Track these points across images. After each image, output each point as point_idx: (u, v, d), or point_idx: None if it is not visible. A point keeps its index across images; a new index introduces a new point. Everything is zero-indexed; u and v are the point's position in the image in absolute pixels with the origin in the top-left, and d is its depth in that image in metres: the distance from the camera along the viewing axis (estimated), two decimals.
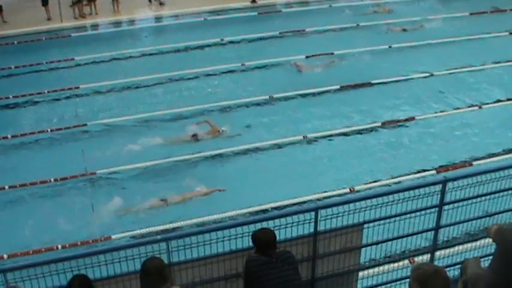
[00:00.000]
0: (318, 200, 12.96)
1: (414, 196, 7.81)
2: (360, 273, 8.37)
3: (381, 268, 8.45)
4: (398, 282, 8.46)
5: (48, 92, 19.32)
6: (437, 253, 8.73)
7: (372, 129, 16.67)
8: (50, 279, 6.56)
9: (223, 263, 7.24)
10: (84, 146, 15.26)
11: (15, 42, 24.18)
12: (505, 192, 8.42)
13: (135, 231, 12.40)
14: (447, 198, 8.07)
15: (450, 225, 8.43)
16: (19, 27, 25.56)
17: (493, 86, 19.27)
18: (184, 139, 16.08)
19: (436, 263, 8.63)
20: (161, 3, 29.26)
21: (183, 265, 7.10)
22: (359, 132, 16.61)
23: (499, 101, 18.32)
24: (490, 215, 8.50)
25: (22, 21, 26.33)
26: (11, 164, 15.44)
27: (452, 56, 21.76)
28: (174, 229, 12.15)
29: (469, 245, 8.86)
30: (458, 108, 17.82)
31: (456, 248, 8.83)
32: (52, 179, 14.40)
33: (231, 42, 23.92)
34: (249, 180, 14.47)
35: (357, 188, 13.76)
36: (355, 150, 15.76)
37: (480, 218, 8.48)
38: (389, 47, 22.66)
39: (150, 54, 22.87)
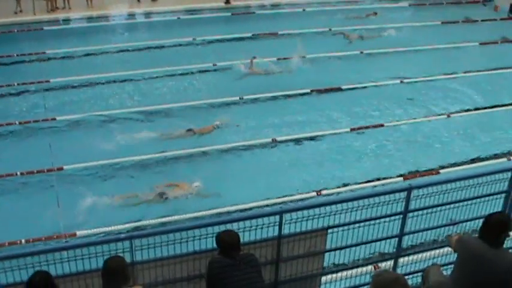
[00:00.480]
0: (284, 203, 12.95)
1: (379, 202, 7.88)
2: (323, 278, 8.41)
3: (345, 273, 8.50)
4: None
5: (17, 84, 19.13)
6: (401, 260, 8.80)
7: (340, 135, 16.68)
8: (11, 274, 6.51)
9: (187, 263, 7.25)
10: (53, 141, 15.11)
11: None
12: (469, 201, 8.52)
13: (101, 229, 12.29)
14: (412, 206, 8.15)
15: (414, 232, 8.52)
16: None
17: (462, 95, 19.44)
18: (153, 137, 15.97)
19: (399, 269, 8.72)
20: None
21: (146, 264, 7.10)
22: (328, 137, 16.59)
23: (467, 110, 18.49)
24: (454, 224, 8.59)
25: None
26: None
27: (423, 64, 21.96)
28: (136, 228, 12.04)
29: (432, 253, 8.95)
30: (427, 116, 17.94)
31: (420, 255, 8.91)
32: (18, 173, 14.23)
33: (204, 42, 23.85)
34: (215, 181, 14.36)
35: (323, 192, 13.75)
36: (323, 155, 15.75)
37: (444, 226, 8.58)
38: (361, 52, 22.80)
39: (122, 51, 22.70)
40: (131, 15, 28.09)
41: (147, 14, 28.07)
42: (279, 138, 16.22)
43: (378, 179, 14.45)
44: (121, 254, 6.69)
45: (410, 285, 8.60)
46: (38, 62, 21.34)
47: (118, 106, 18.03)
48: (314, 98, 19.10)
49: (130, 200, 13.43)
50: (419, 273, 8.28)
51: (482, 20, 28.03)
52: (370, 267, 8.90)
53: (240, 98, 18.59)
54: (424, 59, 22.65)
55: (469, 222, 8.65)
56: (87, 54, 22.11)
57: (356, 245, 8.12)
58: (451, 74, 21.23)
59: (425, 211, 8.31)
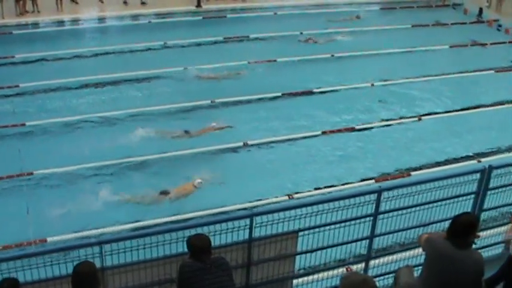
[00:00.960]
0: (255, 206, 12.93)
1: (350, 205, 7.89)
2: (295, 281, 8.41)
3: (316, 276, 8.49)
4: None
5: None
6: (372, 262, 8.83)
7: (312, 138, 16.72)
8: None
9: (157, 268, 7.20)
10: (22, 146, 15.00)
11: None
12: (439, 203, 8.58)
13: (71, 235, 12.18)
14: (383, 208, 8.18)
15: (385, 234, 8.54)
16: None
17: (433, 98, 19.63)
18: (124, 142, 15.86)
19: (370, 271, 8.74)
20: (143, 3, 29.12)
21: (116, 269, 7.04)
22: (300, 140, 16.62)
23: (437, 112, 18.65)
24: (424, 225, 8.63)
25: None
26: None
27: (394, 67, 22.13)
28: (103, 234, 11.96)
29: (403, 254, 8.98)
30: (398, 119, 18.07)
31: (391, 257, 8.94)
32: None
33: (174, 46, 23.78)
34: None
35: (296, 195, 13.78)
36: (295, 158, 15.79)
37: (414, 227, 8.61)
38: (332, 55, 22.90)
39: (92, 55, 22.54)
40: (101, 19, 27.91)
41: (119, 18, 27.88)
42: (250, 142, 16.21)
43: (349, 182, 14.51)
44: (91, 260, 6.62)
45: (382, 286, 8.67)
46: (6, 66, 21.08)
47: (88, 111, 17.83)
48: (285, 101, 19.13)
49: (130, 200, 13.60)
50: (392, 275, 8.31)
51: (452, 23, 28.36)
52: (342, 270, 8.92)
53: (211, 102, 18.55)
54: (395, 62, 22.79)
55: (439, 223, 8.70)
56: (57, 59, 21.87)
57: (327, 247, 8.13)
58: (422, 76, 21.41)
59: (395, 213, 8.34)
